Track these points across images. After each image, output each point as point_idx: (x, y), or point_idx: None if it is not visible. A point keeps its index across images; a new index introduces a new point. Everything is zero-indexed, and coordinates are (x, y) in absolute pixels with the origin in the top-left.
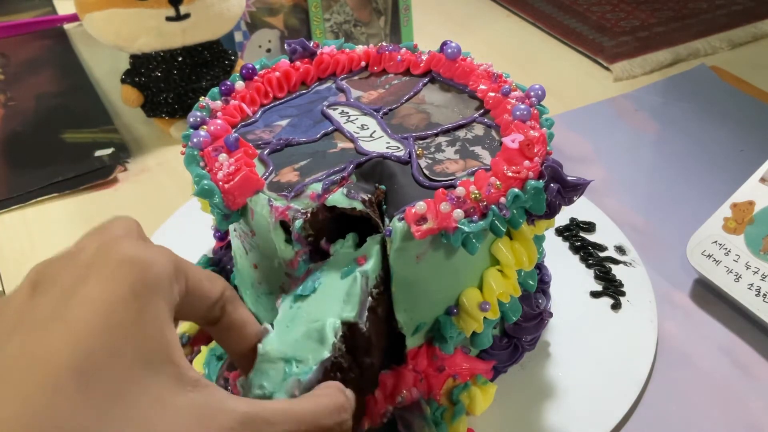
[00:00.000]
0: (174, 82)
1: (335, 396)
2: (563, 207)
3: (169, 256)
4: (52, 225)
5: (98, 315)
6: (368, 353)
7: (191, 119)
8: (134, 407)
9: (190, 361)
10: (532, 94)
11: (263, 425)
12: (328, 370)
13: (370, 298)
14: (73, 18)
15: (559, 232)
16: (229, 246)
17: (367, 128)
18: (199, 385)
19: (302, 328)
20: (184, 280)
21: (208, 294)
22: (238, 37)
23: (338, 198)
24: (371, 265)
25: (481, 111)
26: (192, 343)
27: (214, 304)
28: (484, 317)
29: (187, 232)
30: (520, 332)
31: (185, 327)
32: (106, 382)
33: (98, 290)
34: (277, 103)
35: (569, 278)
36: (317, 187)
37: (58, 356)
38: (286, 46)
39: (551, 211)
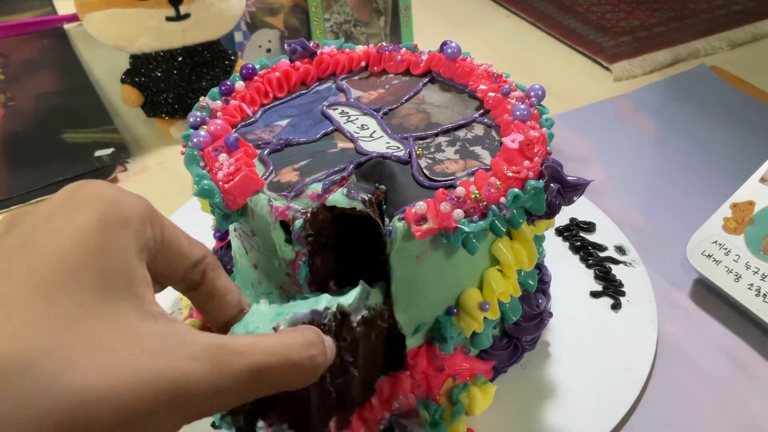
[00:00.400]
0: (174, 82)
1: (307, 333)
2: (563, 207)
3: (145, 201)
4: None
5: (62, 242)
6: (352, 355)
7: (191, 119)
8: (92, 329)
9: None
10: (532, 94)
11: (230, 354)
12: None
13: (365, 312)
14: (73, 18)
15: (559, 232)
16: (229, 246)
17: (367, 128)
18: (163, 318)
19: (302, 300)
20: (159, 229)
21: (187, 253)
22: (238, 37)
23: (338, 198)
24: (373, 291)
25: (481, 111)
26: None
27: (194, 267)
28: (484, 317)
29: (187, 232)
30: (520, 332)
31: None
32: (63, 303)
33: (65, 221)
34: (277, 103)
35: (569, 278)
36: (317, 187)
37: (16, 279)
38: (286, 46)
39: (551, 211)
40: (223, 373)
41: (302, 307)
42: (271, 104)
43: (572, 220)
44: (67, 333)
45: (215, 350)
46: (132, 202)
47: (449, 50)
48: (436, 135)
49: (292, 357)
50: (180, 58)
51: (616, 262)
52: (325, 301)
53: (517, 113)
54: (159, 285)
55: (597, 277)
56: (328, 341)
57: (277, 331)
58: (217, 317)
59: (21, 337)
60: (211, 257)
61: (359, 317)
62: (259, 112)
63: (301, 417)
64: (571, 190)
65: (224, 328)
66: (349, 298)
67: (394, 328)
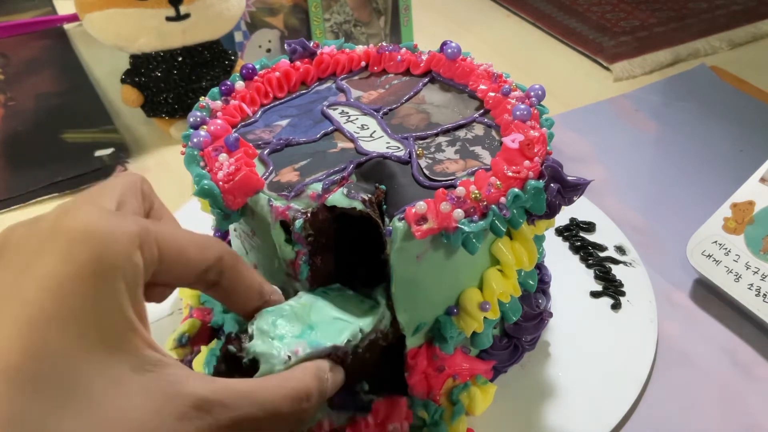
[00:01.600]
0: (174, 82)
1: (305, 381)
2: (563, 207)
3: (132, 226)
4: None
5: (52, 298)
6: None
7: (191, 119)
8: (89, 395)
9: (190, 362)
10: (532, 94)
11: (219, 409)
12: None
13: (373, 335)
14: (73, 18)
15: (559, 232)
16: (229, 246)
17: (367, 128)
18: (159, 365)
19: (330, 310)
20: (155, 248)
21: (195, 261)
22: (238, 37)
23: (338, 198)
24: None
25: (481, 111)
26: (192, 343)
27: (206, 271)
28: (484, 317)
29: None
30: (520, 332)
31: (185, 327)
32: (61, 373)
33: (51, 267)
34: (277, 103)
35: (569, 278)
36: (317, 187)
37: (9, 348)
38: (286, 46)
39: (551, 211)
40: (205, 430)
41: (327, 330)
42: (271, 104)
43: (572, 220)
44: (64, 410)
45: (205, 405)
46: (118, 237)
47: (449, 50)
48: (436, 135)
49: (281, 410)
50: (180, 58)
51: (616, 262)
52: (348, 333)
53: (517, 113)
54: (169, 288)
55: (597, 277)
56: (337, 375)
57: (288, 363)
58: (238, 308)
59: (18, 427)
60: (229, 256)
61: (366, 342)
62: (259, 112)
63: None
64: (571, 190)
65: (247, 315)
66: (368, 324)
67: (397, 337)
